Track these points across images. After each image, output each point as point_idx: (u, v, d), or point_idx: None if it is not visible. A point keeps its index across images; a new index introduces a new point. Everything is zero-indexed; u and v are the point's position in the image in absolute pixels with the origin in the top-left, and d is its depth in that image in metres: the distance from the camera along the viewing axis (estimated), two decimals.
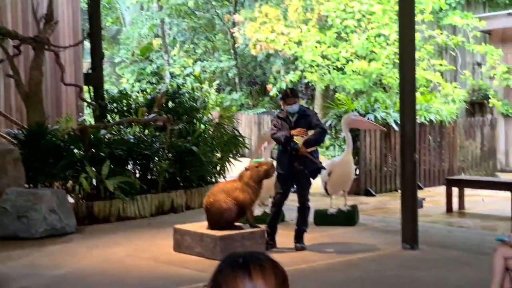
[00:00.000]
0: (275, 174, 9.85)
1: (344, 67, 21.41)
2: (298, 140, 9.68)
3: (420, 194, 12.78)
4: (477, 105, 21.55)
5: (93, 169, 12.39)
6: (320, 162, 10.08)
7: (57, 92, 18.07)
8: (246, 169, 9.71)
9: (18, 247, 10.39)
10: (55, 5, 15.65)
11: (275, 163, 10.08)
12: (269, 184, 10.28)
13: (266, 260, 2.22)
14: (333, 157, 17.02)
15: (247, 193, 9.50)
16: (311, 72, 21.99)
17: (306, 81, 24.69)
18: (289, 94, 9.95)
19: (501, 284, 6.62)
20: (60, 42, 17.48)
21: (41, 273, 8.82)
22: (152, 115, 14.17)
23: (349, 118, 12.26)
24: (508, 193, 13.00)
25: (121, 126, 14.06)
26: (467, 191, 14.14)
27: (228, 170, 15.18)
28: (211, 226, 9.64)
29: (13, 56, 13.75)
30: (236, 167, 14.49)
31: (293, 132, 9.66)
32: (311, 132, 9.76)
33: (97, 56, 15.62)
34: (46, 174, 12.39)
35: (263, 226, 9.89)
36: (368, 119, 15.83)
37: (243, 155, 18.51)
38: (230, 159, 15.28)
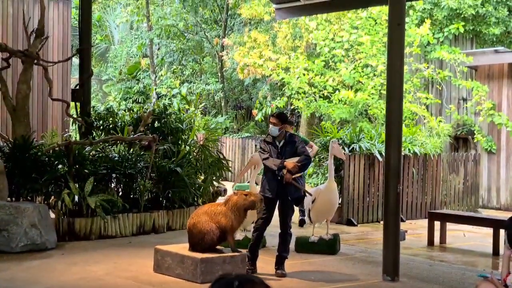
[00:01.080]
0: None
1: (331, 95, 21.50)
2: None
3: (402, 226, 12.77)
4: (461, 140, 21.67)
5: (76, 185, 12.34)
6: (305, 189, 10.09)
7: (43, 106, 18.10)
8: (235, 193, 9.70)
9: None
10: (46, 20, 15.67)
11: (258, 188, 10.06)
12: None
13: (260, 284, 2.22)
14: (316, 185, 17.03)
15: (230, 219, 9.46)
16: (298, 99, 22.06)
17: (292, 107, 24.75)
18: (275, 116, 10.00)
19: None
20: (49, 57, 17.52)
21: None
22: (138, 134, 14.16)
23: (330, 144, 12.32)
24: (489, 230, 13.03)
25: (106, 144, 14.03)
26: (449, 226, 14.18)
27: (210, 193, 15.14)
28: (192, 248, 9.60)
29: (1, 68, 13.73)
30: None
31: (288, 166, 9.64)
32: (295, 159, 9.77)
33: (85, 72, 15.58)
34: (29, 188, 12.34)
35: (244, 251, 9.87)
36: (351, 148, 15.97)
37: (225, 179, 18.50)
38: (214, 182, 15.27)
